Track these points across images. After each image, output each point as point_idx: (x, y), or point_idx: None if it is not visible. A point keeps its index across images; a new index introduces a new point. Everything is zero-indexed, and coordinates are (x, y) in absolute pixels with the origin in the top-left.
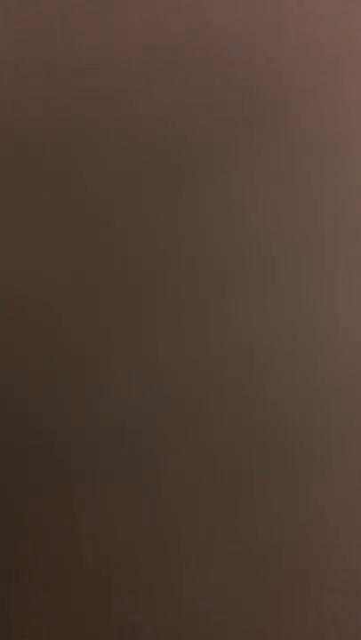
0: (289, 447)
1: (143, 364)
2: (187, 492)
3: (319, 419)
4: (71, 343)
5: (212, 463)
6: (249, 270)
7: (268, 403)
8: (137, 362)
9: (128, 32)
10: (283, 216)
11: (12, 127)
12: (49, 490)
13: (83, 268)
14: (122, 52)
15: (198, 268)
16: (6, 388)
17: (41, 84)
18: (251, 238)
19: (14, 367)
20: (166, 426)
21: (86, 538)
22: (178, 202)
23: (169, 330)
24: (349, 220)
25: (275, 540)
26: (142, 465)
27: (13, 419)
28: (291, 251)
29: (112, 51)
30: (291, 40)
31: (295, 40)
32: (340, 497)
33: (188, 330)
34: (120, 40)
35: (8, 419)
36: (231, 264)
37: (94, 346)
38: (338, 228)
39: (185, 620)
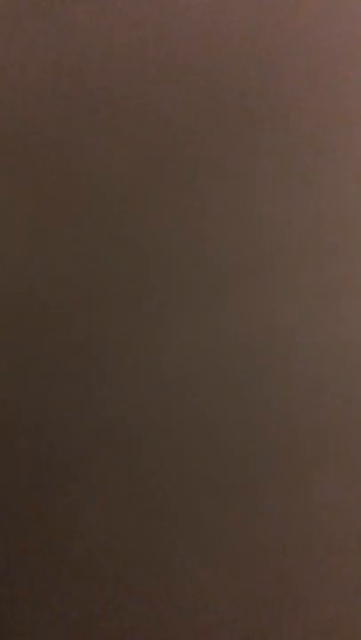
0: (289, 447)
1: (143, 363)
2: (187, 491)
3: (319, 418)
4: (71, 342)
5: (212, 462)
6: (249, 269)
7: (268, 401)
8: (137, 360)
9: (128, 32)
10: (283, 215)
11: (12, 127)
12: (48, 490)
13: (83, 266)
14: (122, 51)
15: (199, 266)
16: (7, 387)
17: (41, 84)
18: (251, 237)
19: (15, 365)
20: (166, 424)
21: (86, 537)
22: (178, 201)
23: (169, 328)
24: (350, 218)
25: (275, 540)
26: (142, 463)
27: (13, 417)
28: (291, 250)
29: (112, 50)
30: (290, 38)
31: (295, 38)
32: (341, 496)
33: (188, 328)
34: (120, 40)
35: (8, 417)
36: (231, 263)
37: (94, 344)
38: (338, 227)
39: (184, 619)
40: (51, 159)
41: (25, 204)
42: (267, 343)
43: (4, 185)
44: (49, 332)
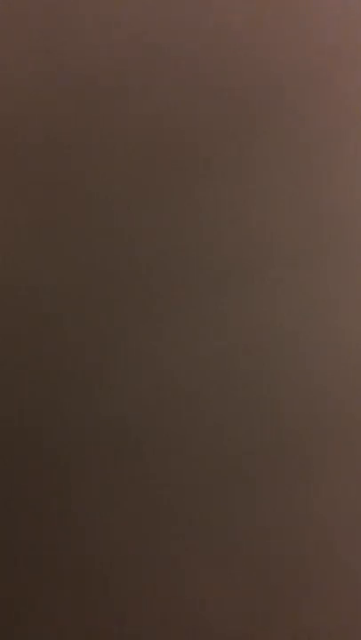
0: (290, 446)
1: (143, 364)
2: (187, 491)
3: (319, 418)
4: (71, 343)
5: (212, 462)
6: (249, 270)
7: (268, 402)
8: (137, 362)
9: (128, 31)
10: (282, 217)
11: (12, 127)
12: (49, 492)
13: (82, 267)
14: (121, 51)
15: (198, 267)
16: (7, 389)
17: (41, 84)
18: (250, 238)
19: (15, 368)
20: (167, 426)
21: (86, 539)
22: (178, 202)
23: (169, 329)
24: (350, 218)
25: (275, 541)
26: (143, 465)
27: (14, 417)
28: (290, 251)
29: (112, 50)
30: (290, 37)
31: (295, 37)
32: (342, 497)
33: (188, 329)
34: (120, 39)
35: (9, 419)
36: (231, 263)
37: (94, 346)
38: (337, 228)
39: (182, 618)
40: (49, 160)
41: (25, 204)
42: (267, 343)
43: (3, 185)
44: (49, 332)
